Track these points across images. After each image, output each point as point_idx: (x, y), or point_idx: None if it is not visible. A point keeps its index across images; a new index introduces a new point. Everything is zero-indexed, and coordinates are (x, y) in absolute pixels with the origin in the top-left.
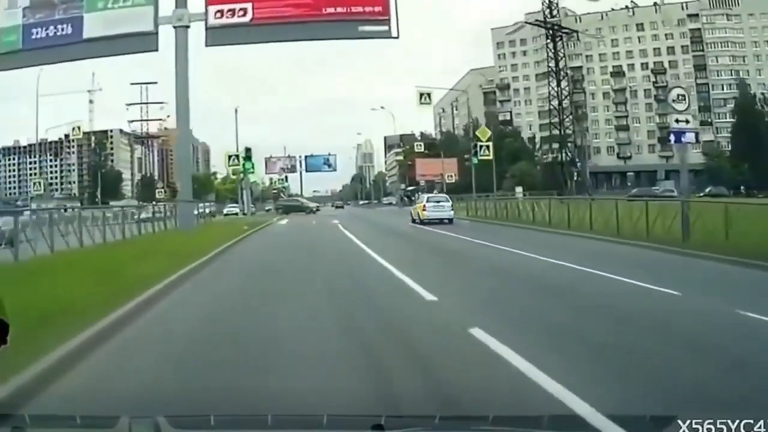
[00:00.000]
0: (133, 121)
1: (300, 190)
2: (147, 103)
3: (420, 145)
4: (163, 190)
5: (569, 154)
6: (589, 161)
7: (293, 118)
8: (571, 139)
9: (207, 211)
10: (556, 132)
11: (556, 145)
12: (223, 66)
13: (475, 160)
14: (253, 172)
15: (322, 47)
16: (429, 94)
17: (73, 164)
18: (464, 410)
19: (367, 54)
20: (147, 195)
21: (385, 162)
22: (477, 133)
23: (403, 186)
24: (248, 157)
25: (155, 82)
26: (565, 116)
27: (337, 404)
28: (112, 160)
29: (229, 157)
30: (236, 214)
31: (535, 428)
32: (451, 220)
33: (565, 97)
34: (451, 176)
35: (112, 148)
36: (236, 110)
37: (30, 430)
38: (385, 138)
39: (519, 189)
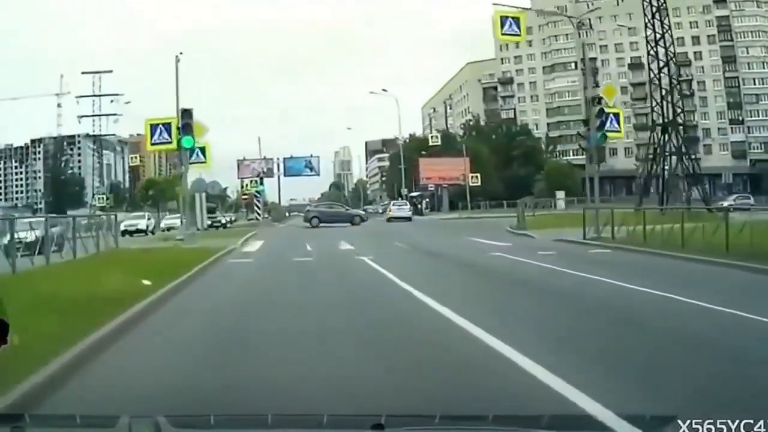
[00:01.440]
0: (83, 116)
1: (278, 198)
2: (99, 95)
3: (435, 137)
4: (104, 197)
5: (682, 143)
6: (604, 164)
7: (269, 123)
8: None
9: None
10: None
11: (569, 146)
12: (201, 68)
13: (598, 138)
14: (203, 161)
15: (296, 49)
16: (517, 20)
17: (40, 171)
18: (464, 410)
19: (349, 52)
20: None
21: (366, 168)
22: (601, 93)
23: (404, 191)
24: (187, 125)
25: (110, 71)
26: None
27: (337, 404)
28: (79, 167)
29: (152, 127)
30: (145, 231)
31: (535, 428)
32: (409, 219)
33: (666, 63)
34: (476, 177)
35: (79, 154)
36: (177, 59)
37: (30, 430)
38: (366, 143)
39: (561, 194)
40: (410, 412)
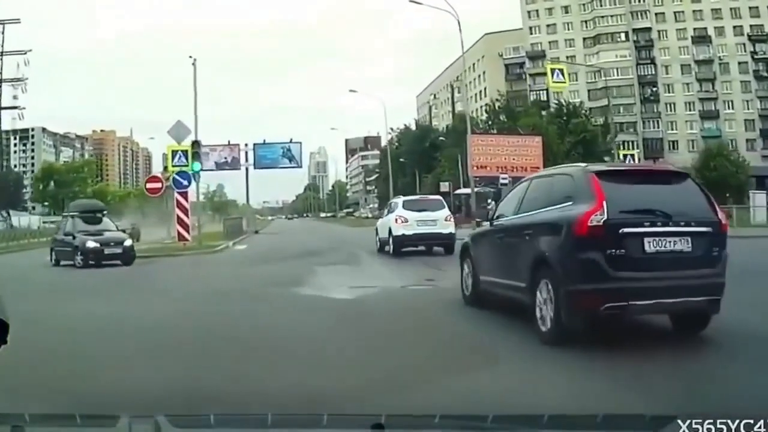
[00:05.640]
0: None
1: (246, 197)
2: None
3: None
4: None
5: None
6: (661, 160)
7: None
8: None
9: None
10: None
11: (619, 136)
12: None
13: None
14: None
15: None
16: None
17: None
18: (464, 409)
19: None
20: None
21: (347, 168)
22: None
23: (445, 187)
24: None
25: (17, 20)
26: None
27: (337, 404)
28: (32, 164)
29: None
30: None
31: (535, 428)
32: None
33: None
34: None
35: (33, 150)
36: None
37: (30, 429)
38: (346, 141)
39: (762, 196)
40: (410, 412)
